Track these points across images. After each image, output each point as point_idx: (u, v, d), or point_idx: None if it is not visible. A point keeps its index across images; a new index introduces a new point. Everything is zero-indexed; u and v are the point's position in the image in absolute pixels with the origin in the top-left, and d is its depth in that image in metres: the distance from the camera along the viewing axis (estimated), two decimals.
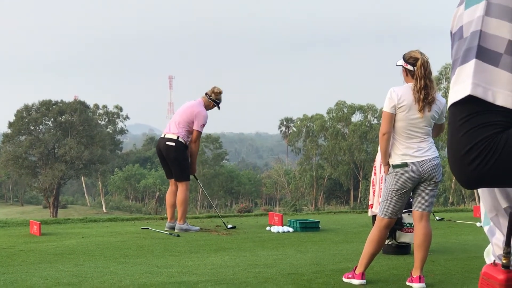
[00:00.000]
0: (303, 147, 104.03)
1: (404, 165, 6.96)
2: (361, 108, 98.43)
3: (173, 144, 11.62)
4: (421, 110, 6.90)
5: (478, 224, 12.87)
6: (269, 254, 9.13)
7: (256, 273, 7.67)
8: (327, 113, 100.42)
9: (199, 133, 11.65)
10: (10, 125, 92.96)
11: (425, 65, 6.92)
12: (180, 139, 11.60)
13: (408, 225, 9.06)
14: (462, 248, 9.78)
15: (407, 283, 7.12)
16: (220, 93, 11.92)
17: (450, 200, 78.79)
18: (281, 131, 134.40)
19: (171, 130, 11.69)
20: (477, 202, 74.45)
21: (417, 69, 6.91)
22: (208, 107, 11.85)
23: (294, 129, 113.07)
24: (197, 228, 11.94)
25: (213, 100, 11.85)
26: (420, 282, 7.00)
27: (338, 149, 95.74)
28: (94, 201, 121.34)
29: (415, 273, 7.05)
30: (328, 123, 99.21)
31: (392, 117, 6.96)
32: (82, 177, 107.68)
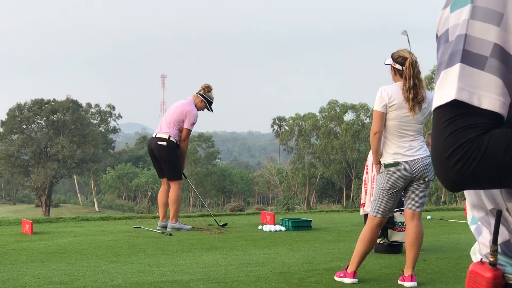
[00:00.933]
0: (296, 146, 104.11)
1: (396, 164, 6.98)
2: (353, 107, 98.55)
3: (164, 143, 11.60)
4: (412, 109, 6.92)
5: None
6: (261, 253, 9.14)
7: (248, 272, 7.67)
8: (320, 112, 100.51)
9: (189, 131, 11.64)
10: (2, 123, 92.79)
11: (414, 65, 6.95)
12: (171, 138, 11.57)
13: (400, 224, 9.08)
14: (453, 247, 9.80)
15: (399, 282, 7.14)
16: (209, 87, 11.87)
17: (442, 199, 78.91)
18: (273, 130, 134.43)
19: (162, 129, 11.68)
20: None
21: (405, 69, 6.94)
22: (198, 107, 11.82)
23: (287, 128, 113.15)
24: (189, 227, 11.93)
25: (204, 96, 11.81)
26: (411, 281, 7.02)
27: (330, 148, 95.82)
28: (86, 200, 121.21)
29: (407, 272, 7.07)
30: (320, 122, 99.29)
31: (383, 116, 6.97)
32: (75, 176, 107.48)
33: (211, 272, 7.72)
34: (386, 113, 6.98)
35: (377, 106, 7.00)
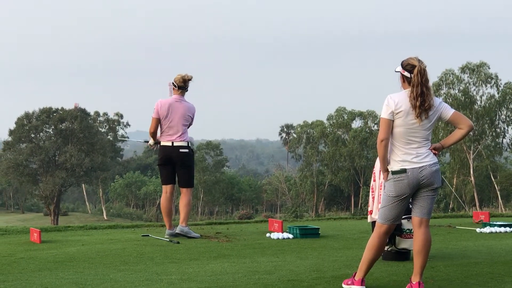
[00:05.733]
0: (304, 154, 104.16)
1: (403, 171, 6.98)
2: (361, 114, 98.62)
3: (187, 151, 11.70)
4: (418, 116, 6.93)
5: (477, 230, 12.88)
6: (269, 261, 9.13)
7: (256, 280, 7.67)
8: (327, 119, 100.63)
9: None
10: (11, 132, 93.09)
11: (422, 72, 6.96)
12: (189, 145, 11.75)
13: (407, 231, 9.07)
14: (462, 254, 9.78)
15: None
16: (180, 79, 12.00)
17: (450, 206, 78.75)
18: (281, 137, 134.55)
19: (180, 137, 11.74)
20: (477, 208, 74.47)
21: (414, 76, 6.96)
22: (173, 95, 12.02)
23: (295, 135, 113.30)
24: (198, 235, 11.93)
25: (174, 84, 11.98)
26: None
27: (338, 155, 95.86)
28: (95, 208, 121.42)
29: (415, 279, 7.05)
30: (328, 129, 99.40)
31: (390, 124, 6.98)
32: (83, 185, 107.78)
33: (219, 280, 7.72)
34: (393, 121, 6.99)
35: (384, 114, 7.02)
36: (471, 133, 79.55)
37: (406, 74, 7.06)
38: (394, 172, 7.03)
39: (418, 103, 6.90)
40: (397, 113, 6.97)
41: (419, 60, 7.06)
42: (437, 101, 7.10)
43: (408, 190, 7.02)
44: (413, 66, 7.01)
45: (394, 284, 7.56)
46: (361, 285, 7.20)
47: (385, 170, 7.11)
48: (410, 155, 6.99)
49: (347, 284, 7.29)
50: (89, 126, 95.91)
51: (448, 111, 7.11)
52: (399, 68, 7.18)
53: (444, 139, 7.36)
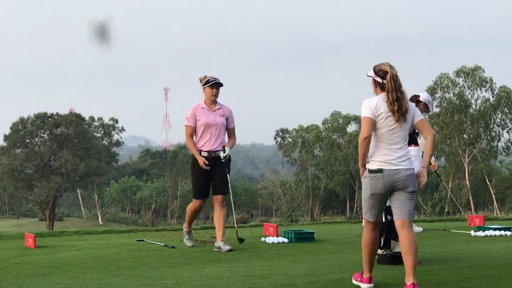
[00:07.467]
0: (299, 158, 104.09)
1: (380, 170, 7.23)
2: (356, 119, 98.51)
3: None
4: (398, 120, 7.21)
5: (472, 233, 12.88)
6: (264, 265, 9.13)
7: (251, 284, 7.67)
8: (323, 123, 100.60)
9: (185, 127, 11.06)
10: (6, 138, 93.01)
11: (395, 78, 7.25)
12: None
13: None
14: (457, 258, 9.78)
15: None
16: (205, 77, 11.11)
17: (446, 210, 78.80)
18: (276, 142, 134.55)
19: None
20: (472, 212, 74.51)
21: (387, 83, 7.23)
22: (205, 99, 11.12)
23: (290, 139, 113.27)
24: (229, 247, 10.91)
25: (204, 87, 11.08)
26: None
27: (333, 159, 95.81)
28: (90, 213, 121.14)
29: (408, 280, 7.09)
30: (323, 133, 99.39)
31: (372, 122, 7.22)
32: (78, 190, 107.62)
33: (214, 284, 7.71)
34: (375, 121, 7.22)
35: (366, 113, 7.24)
36: (465, 136, 79.75)
37: (378, 79, 7.34)
38: (371, 171, 7.29)
39: (395, 108, 7.19)
40: (378, 115, 7.22)
41: (391, 66, 7.34)
42: (411, 104, 7.39)
43: (383, 189, 7.26)
44: (385, 72, 7.29)
45: (389, 287, 7.58)
46: (369, 283, 7.44)
47: (363, 165, 7.36)
48: (389, 156, 7.25)
49: (357, 280, 7.57)
50: (84, 131, 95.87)
51: (418, 117, 7.42)
52: (371, 73, 7.45)
53: (422, 161, 7.65)
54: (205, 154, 10.88)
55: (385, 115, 7.20)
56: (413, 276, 7.09)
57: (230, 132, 11.26)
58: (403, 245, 7.25)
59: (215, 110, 11.08)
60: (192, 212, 11.42)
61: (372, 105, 7.24)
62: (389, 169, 7.21)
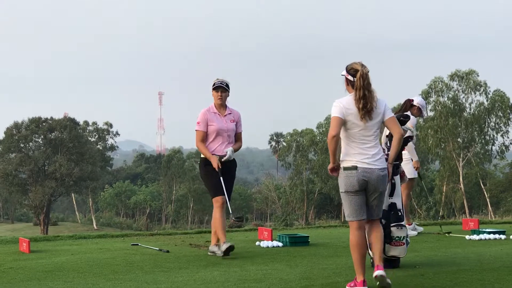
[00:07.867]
0: (294, 162, 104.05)
1: (354, 168, 7.46)
2: None
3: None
4: (363, 117, 7.43)
5: (467, 237, 12.89)
6: (258, 269, 9.13)
7: None
8: (317, 127, 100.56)
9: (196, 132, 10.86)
10: (0, 142, 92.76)
11: (364, 77, 7.45)
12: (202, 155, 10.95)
13: (397, 238, 9.08)
14: (451, 261, 9.79)
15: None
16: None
17: (440, 213, 78.85)
18: (271, 146, 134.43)
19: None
20: (467, 215, 74.58)
21: (356, 80, 7.44)
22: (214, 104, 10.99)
23: (284, 144, 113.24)
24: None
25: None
26: (379, 269, 7.46)
27: (328, 163, 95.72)
28: (84, 218, 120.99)
29: (377, 262, 7.57)
30: (318, 137, 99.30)
31: (341, 121, 7.43)
32: (73, 194, 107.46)
33: None
34: (344, 120, 7.43)
35: (334, 113, 7.44)
36: (460, 140, 79.76)
37: (350, 77, 7.56)
38: (345, 168, 7.50)
39: (360, 106, 7.40)
40: (348, 115, 7.43)
41: (362, 65, 7.55)
42: (382, 103, 7.59)
43: (357, 186, 7.48)
44: (356, 70, 7.51)
45: None
46: (364, 286, 7.47)
47: (333, 163, 7.60)
48: (363, 155, 7.47)
49: (351, 286, 7.57)
50: (79, 136, 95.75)
51: (388, 115, 7.62)
52: (344, 72, 7.66)
53: (389, 157, 7.87)
54: (217, 158, 10.78)
55: (354, 114, 7.41)
56: (380, 261, 7.57)
57: (237, 136, 11.17)
58: (371, 237, 7.78)
59: (225, 115, 10.95)
60: (218, 217, 10.88)
61: (342, 105, 7.44)
62: (362, 167, 7.42)
